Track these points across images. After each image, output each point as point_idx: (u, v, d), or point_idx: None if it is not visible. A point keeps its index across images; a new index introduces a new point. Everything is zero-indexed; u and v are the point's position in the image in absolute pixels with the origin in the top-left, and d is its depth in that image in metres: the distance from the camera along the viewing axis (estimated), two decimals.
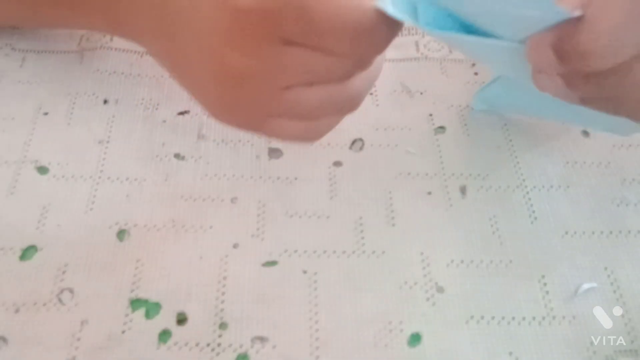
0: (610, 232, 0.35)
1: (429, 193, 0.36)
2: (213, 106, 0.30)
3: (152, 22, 0.30)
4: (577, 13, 0.22)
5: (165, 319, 0.30)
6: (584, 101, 0.26)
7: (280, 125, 0.30)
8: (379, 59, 0.28)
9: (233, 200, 0.35)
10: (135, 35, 0.33)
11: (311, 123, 0.30)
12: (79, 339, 0.30)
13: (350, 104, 0.29)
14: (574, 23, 0.22)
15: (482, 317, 0.31)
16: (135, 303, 0.31)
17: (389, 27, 0.25)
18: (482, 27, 0.25)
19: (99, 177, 0.35)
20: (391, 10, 0.25)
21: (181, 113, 0.39)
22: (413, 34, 0.44)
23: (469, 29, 0.26)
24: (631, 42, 0.22)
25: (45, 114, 0.38)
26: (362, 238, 0.34)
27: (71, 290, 0.31)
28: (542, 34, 0.23)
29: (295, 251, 0.33)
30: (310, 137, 0.31)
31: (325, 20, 0.25)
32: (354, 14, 0.24)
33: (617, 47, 0.22)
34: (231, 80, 0.28)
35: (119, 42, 0.42)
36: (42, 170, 0.35)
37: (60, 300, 0.31)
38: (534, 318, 0.32)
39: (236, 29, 0.26)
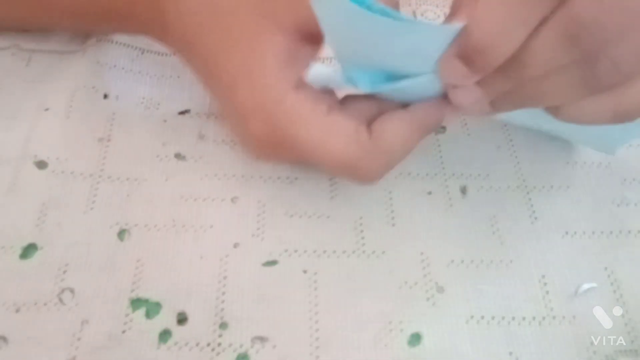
0: (611, 232, 0.35)
1: (429, 193, 0.36)
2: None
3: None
4: (459, 24, 0.26)
5: (165, 319, 0.30)
6: (494, 105, 0.29)
7: None
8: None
9: (233, 200, 0.35)
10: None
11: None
12: (79, 339, 0.30)
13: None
14: (466, 31, 0.26)
15: (482, 317, 0.32)
16: (136, 303, 0.31)
17: (377, 172, 0.31)
18: (405, 72, 0.29)
19: (100, 177, 0.35)
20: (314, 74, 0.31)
21: (182, 112, 0.39)
22: None
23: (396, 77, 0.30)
24: (512, 30, 0.25)
25: (46, 109, 0.38)
26: (362, 238, 0.34)
27: (72, 290, 0.31)
28: (446, 52, 0.27)
29: (296, 251, 0.33)
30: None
31: (315, 159, 0.31)
32: (341, 160, 0.30)
33: (503, 36, 0.25)
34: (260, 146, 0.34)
35: (120, 35, 0.42)
36: (41, 164, 0.35)
37: (60, 300, 0.31)
38: (534, 318, 0.32)
39: (257, 148, 0.33)
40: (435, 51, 0.27)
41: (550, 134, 0.38)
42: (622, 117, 0.28)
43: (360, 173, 0.31)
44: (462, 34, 0.26)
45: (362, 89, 0.31)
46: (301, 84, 0.31)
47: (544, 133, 0.38)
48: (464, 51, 0.26)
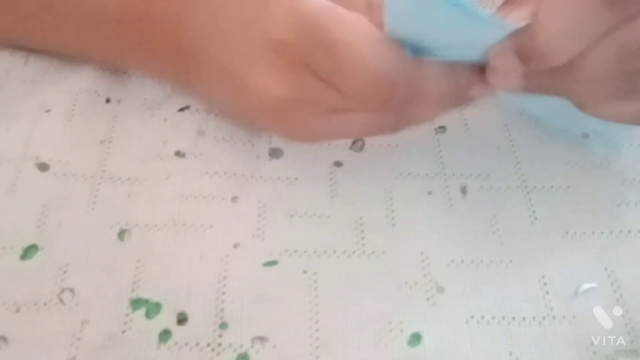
0: (611, 232, 0.35)
1: (430, 193, 0.36)
2: (274, 130, 0.36)
3: (207, 50, 0.34)
4: (524, 23, 0.26)
5: (165, 319, 0.30)
6: (529, 90, 0.29)
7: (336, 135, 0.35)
8: (431, 100, 0.31)
9: (234, 199, 0.35)
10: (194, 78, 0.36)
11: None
12: (79, 339, 0.30)
13: (394, 128, 0.33)
14: (530, 30, 0.26)
15: (482, 317, 0.32)
16: (136, 303, 0.31)
17: (408, 88, 0.29)
18: (446, 56, 0.29)
19: (101, 177, 0.35)
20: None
21: (181, 109, 0.39)
22: None
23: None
24: (578, 39, 0.26)
25: (47, 111, 0.38)
26: (363, 238, 0.34)
27: (72, 290, 0.31)
28: (501, 44, 0.27)
29: (296, 251, 0.33)
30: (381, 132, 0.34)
31: (351, 69, 0.28)
32: (377, 69, 0.28)
33: (568, 44, 0.26)
34: (277, 110, 0.32)
35: None
36: (43, 167, 0.35)
37: (60, 300, 0.31)
38: (534, 318, 0.32)
39: (275, 59, 0.30)
40: (490, 40, 0.27)
41: (548, 121, 0.39)
42: None
43: (391, 92, 0.29)
44: (524, 32, 0.26)
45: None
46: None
47: (542, 124, 0.39)
48: (523, 49, 0.26)
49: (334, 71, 0.29)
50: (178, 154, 0.37)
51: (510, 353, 0.30)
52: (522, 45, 0.26)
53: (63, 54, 0.40)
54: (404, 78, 0.29)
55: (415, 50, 0.29)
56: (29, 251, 0.32)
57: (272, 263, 0.33)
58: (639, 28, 0.25)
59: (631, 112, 0.30)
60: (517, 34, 0.26)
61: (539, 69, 0.27)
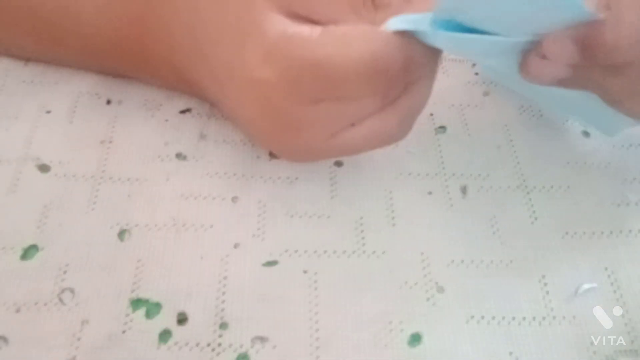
0: (611, 232, 0.35)
1: (430, 193, 0.36)
2: (278, 153, 0.36)
3: (213, 88, 0.35)
4: (600, 15, 0.25)
5: (165, 319, 0.30)
6: (561, 83, 0.28)
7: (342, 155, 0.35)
8: (422, 85, 0.31)
9: (234, 199, 0.35)
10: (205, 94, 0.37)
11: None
12: (79, 339, 0.30)
13: (398, 130, 0.32)
14: (599, 23, 0.25)
15: (482, 317, 0.32)
16: (136, 303, 0.31)
17: (402, 62, 0.28)
18: (488, 29, 0.27)
19: (101, 178, 0.35)
20: (394, 24, 0.28)
21: (183, 111, 0.39)
22: None
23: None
24: None
25: (48, 112, 0.38)
26: (363, 238, 0.34)
27: (72, 290, 0.31)
28: (565, 30, 0.26)
29: (296, 251, 0.33)
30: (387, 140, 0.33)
31: (339, 73, 0.28)
32: (363, 58, 0.28)
33: (637, 44, 0.25)
34: (273, 143, 0.33)
35: None
36: (44, 168, 0.35)
37: (61, 300, 0.31)
38: (534, 318, 0.32)
39: (262, 100, 0.30)
40: (551, 23, 0.26)
41: (549, 107, 0.39)
42: None
43: (390, 75, 0.29)
44: (593, 24, 0.25)
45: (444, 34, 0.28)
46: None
47: (543, 117, 0.39)
48: (588, 41, 0.25)
49: (328, 86, 0.29)
50: (179, 156, 0.37)
51: (510, 353, 0.30)
52: (587, 37, 0.25)
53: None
54: (397, 57, 0.28)
55: (461, 29, 0.28)
56: (29, 251, 0.32)
57: (272, 263, 0.33)
58: None
59: None
60: (586, 25, 0.25)
61: (597, 63, 0.26)
